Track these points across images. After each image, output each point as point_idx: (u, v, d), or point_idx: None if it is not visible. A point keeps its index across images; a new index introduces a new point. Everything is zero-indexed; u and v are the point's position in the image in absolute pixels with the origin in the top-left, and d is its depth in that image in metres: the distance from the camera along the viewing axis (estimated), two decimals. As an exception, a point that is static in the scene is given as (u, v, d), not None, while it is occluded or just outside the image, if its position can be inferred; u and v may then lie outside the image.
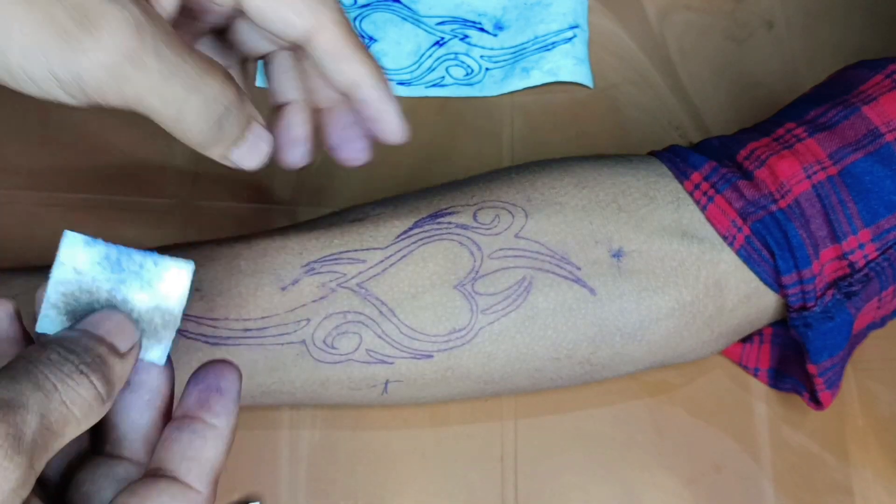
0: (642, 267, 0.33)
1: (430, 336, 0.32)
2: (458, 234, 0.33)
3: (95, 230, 0.42)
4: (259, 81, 0.46)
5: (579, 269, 0.33)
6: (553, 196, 0.34)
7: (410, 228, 0.33)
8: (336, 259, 0.33)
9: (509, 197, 0.34)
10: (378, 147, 0.44)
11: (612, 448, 0.37)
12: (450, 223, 0.33)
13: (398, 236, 0.33)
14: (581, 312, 0.32)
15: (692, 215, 0.33)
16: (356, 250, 0.33)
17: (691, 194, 0.34)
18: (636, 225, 0.33)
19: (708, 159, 0.34)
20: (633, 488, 0.36)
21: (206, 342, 0.32)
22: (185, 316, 0.32)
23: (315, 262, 0.33)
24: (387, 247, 0.33)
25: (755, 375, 0.38)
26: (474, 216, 0.33)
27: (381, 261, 0.32)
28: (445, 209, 0.34)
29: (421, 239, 0.33)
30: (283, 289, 0.32)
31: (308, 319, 0.32)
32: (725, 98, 0.46)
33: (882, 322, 0.37)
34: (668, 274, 0.33)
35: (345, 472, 0.36)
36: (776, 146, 0.34)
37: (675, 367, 0.38)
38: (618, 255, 0.33)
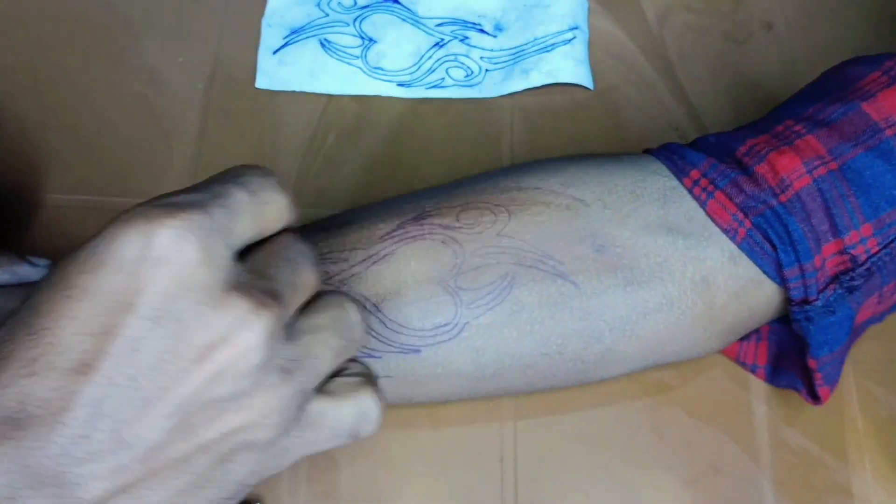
0: (627, 262, 0.33)
1: (416, 330, 0.32)
2: (441, 234, 0.33)
3: (95, 232, 0.42)
4: (259, 82, 0.46)
5: (562, 264, 0.33)
6: (538, 196, 0.34)
7: (394, 230, 0.33)
8: (321, 259, 0.33)
9: (493, 198, 0.34)
10: (378, 148, 0.44)
11: (611, 449, 0.37)
12: (433, 224, 0.33)
13: (381, 237, 0.33)
14: (566, 306, 0.32)
15: (678, 212, 0.34)
16: (340, 251, 0.33)
17: (690, 190, 0.34)
18: (620, 222, 0.33)
19: (706, 156, 0.34)
20: (633, 489, 0.36)
21: None
22: None
23: None
24: (369, 247, 0.33)
25: (753, 372, 0.38)
26: (457, 217, 0.34)
27: (363, 260, 0.33)
28: (430, 211, 0.34)
29: (403, 239, 0.33)
30: None
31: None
32: (725, 99, 0.46)
33: (881, 317, 0.37)
34: (653, 269, 0.33)
35: (345, 473, 0.36)
36: (775, 142, 0.34)
37: (673, 368, 0.38)
38: (601, 250, 0.33)
